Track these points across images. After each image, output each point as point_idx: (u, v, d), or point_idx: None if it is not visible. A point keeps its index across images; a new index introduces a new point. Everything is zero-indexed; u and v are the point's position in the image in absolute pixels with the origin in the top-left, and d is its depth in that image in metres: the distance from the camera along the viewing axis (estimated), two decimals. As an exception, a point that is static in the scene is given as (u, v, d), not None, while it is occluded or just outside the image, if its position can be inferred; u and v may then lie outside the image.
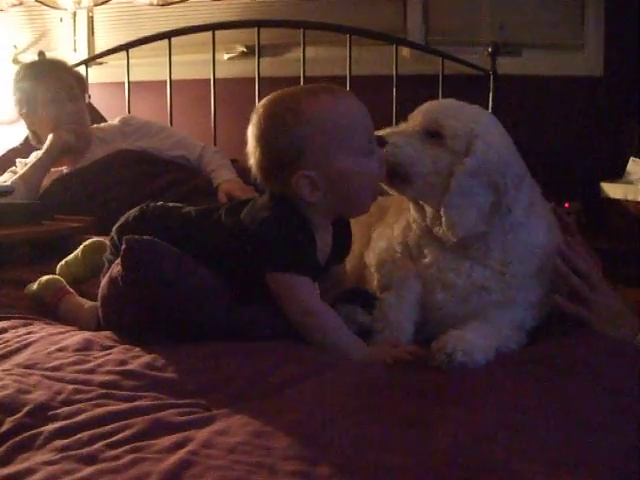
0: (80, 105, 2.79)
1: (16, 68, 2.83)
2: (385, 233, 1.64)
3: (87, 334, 1.42)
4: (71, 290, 1.72)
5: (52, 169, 2.70)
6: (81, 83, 2.87)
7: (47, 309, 1.71)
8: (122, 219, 1.60)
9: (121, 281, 1.38)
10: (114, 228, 1.59)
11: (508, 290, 1.45)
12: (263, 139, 1.41)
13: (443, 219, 1.42)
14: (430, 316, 1.49)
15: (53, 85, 2.71)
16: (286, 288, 1.39)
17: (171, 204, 1.61)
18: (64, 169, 2.72)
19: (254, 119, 1.43)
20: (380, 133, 1.46)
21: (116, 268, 1.40)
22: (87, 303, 1.65)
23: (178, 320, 1.36)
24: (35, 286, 1.76)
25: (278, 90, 1.46)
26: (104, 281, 1.47)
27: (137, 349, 1.32)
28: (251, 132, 1.43)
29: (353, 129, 1.39)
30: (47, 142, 2.66)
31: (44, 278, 1.76)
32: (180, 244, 1.43)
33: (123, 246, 1.36)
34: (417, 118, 1.50)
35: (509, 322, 1.42)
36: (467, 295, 1.46)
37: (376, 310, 1.49)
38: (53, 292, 1.72)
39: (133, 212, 1.59)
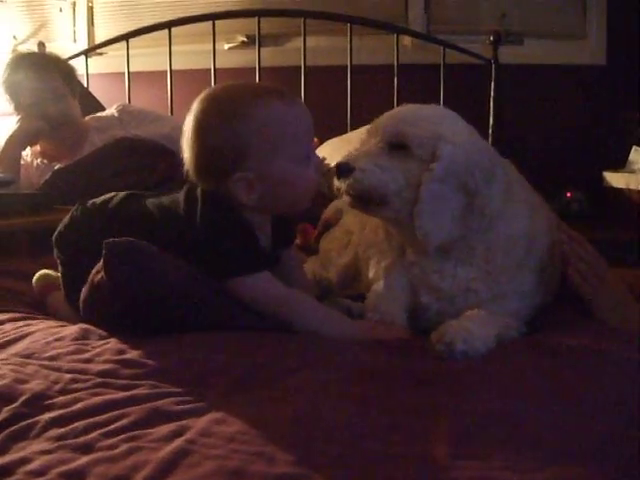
0: (67, 103, 2.76)
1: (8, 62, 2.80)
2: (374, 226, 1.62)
3: (85, 325, 1.41)
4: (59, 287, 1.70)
5: (52, 162, 2.70)
6: (70, 77, 2.83)
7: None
8: (56, 233, 1.60)
9: (106, 285, 1.34)
10: (54, 238, 1.59)
11: (496, 286, 1.43)
12: (205, 135, 1.39)
13: (417, 229, 1.37)
14: (418, 315, 1.47)
15: (36, 87, 2.69)
16: (249, 290, 1.38)
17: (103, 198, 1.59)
18: (57, 165, 2.71)
19: (197, 110, 1.40)
20: (344, 160, 1.41)
21: (97, 276, 1.36)
22: None
23: (167, 316, 1.34)
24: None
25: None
26: (84, 291, 1.43)
27: (135, 339, 1.30)
28: (192, 124, 1.40)
29: (296, 137, 1.39)
30: (14, 128, 2.67)
31: (37, 273, 1.76)
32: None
33: (104, 251, 1.32)
34: (378, 132, 1.43)
35: (502, 312, 1.41)
36: (453, 297, 1.43)
37: (366, 301, 1.48)
38: (40, 288, 1.72)
39: (64, 222, 1.60)
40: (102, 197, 1.60)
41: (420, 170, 1.37)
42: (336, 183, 1.42)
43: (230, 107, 1.38)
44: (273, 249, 1.49)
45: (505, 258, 1.43)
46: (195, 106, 1.41)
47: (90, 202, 1.60)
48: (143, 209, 1.50)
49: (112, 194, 1.60)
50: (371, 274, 1.52)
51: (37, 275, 1.75)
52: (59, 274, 1.67)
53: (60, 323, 1.48)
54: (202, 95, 1.43)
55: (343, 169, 1.39)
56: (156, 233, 1.42)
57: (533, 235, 1.45)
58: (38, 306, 1.69)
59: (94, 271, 1.38)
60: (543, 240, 1.47)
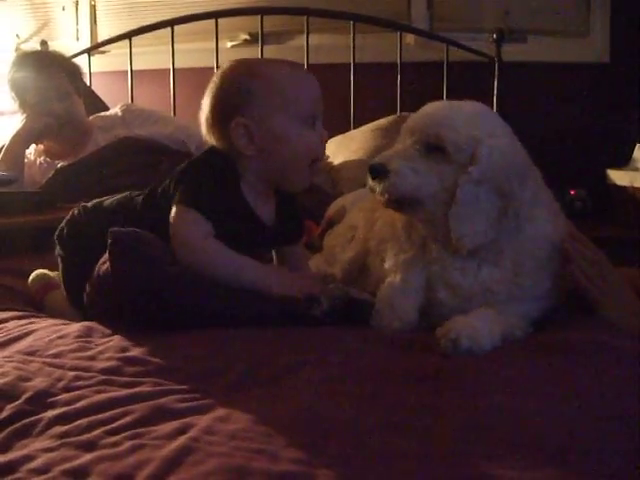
0: (72, 101, 2.76)
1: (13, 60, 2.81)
2: (390, 220, 1.61)
3: (88, 322, 1.41)
4: (58, 285, 1.71)
5: (56, 161, 2.70)
6: (75, 76, 2.83)
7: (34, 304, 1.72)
8: (58, 230, 1.62)
9: (112, 274, 1.35)
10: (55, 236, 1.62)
11: (516, 289, 1.41)
12: (215, 90, 1.47)
13: (452, 232, 1.36)
14: (431, 311, 1.46)
15: (41, 86, 2.69)
16: (174, 219, 1.39)
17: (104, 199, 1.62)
18: (60, 163, 2.71)
19: (216, 75, 1.50)
20: (378, 160, 1.40)
21: (103, 266, 1.38)
22: None
23: (169, 306, 1.34)
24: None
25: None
26: (89, 283, 1.44)
27: (138, 336, 1.30)
28: (211, 86, 1.49)
29: (300, 98, 1.44)
30: (20, 125, 2.68)
31: (34, 273, 1.76)
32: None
33: (109, 240, 1.34)
34: (414, 132, 1.42)
35: (513, 312, 1.40)
36: (472, 296, 1.42)
37: (380, 292, 1.47)
38: (38, 287, 1.73)
39: (66, 219, 1.62)
40: (104, 197, 1.63)
41: (456, 173, 1.36)
42: (370, 183, 1.40)
43: (243, 69, 1.48)
44: (278, 231, 1.52)
45: (531, 262, 1.41)
46: (215, 75, 1.50)
47: (91, 202, 1.62)
48: (142, 205, 1.52)
49: (113, 195, 1.61)
50: (387, 265, 1.50)
51: (33, 275, 1.76)
52: (56, 273, 1.67)
53: (62, 321, 1.49)
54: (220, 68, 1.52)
55: (378, 170, 1.38)
56: (155, 225, 1.44)
57: (555, 240, 1.45)
58: (38, 305, 1.69)
59: (100, 262, 1.39)
60: (562, 245, 1.46)
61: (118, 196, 1.60)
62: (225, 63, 1.53)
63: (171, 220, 1.39)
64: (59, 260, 1.62)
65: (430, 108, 1.46)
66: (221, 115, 1.45)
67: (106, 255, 1.36)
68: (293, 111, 1.43)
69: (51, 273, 1.75)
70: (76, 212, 1.62)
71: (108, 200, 1.61)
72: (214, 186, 1.41)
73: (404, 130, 1.45)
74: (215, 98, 1.47)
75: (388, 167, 1.37)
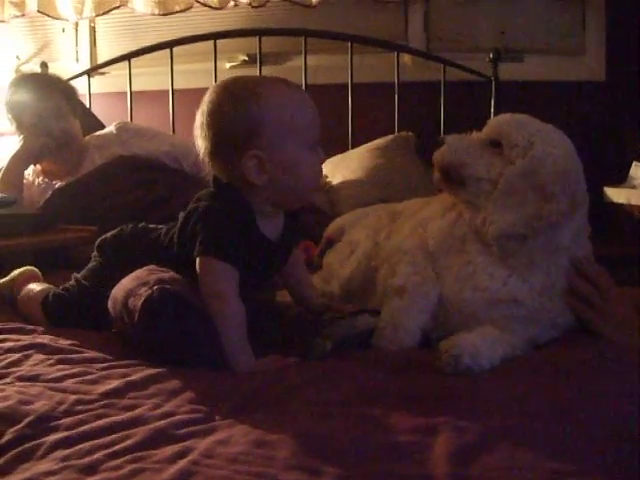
0: (69, 122, 2.77)
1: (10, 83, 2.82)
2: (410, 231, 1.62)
3: (89, 351, 1.41)
4: (40, 278, 1.83)
5: (54, 181, 2.71)
6: (71, 97, 2.84)
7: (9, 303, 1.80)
8: (102, 237, 1.66)
9: (138, 327, 1.35)
10: (96, 244, 1.66)
11: (541, 310, 1.43)
12: (218, 115, 1.41)
13: (486, 215, 1.43)
14: (451, 314, 1.47)
15: (39, 107, 2.70)
16: (203, 271, 1.38)
17: (151, 226, 1.63)
18: (58, 184, 2.72)
19: (209, 99, 1.43)
20: (442, 135, 1.55)
21: (137, 300, 1.35)
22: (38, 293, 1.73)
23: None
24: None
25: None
26: (114, 302, 1.44)
27: (140, 362, 1.31)
28: (205, 108, 1.43)
29: (306, 123, 1.42)
30: (18, 146, 2.69)
31: (19, 270, 1.85)
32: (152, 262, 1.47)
33: (149, 295, 1.33)
34: (486, 129, 1.53)
35: (522, 334, 1.41)
36: (497, 302, 1.43)
37: (384, 310, 1.47)
38: (22, 280, 1.82)
39: (114, 231, 1.65)
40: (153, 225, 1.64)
41: (505, 167, 1.44)
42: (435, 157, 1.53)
43: (243, 91, 1.41)
44: (283, 245, 1.50)
45: (559, 289, 1.45)
46: (206, 97, 1.44)
47: (141, 225, 1.64)
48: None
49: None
50: (396, 282, 1.50)
51: (22, 269, 1.85)
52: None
53: (62, 344, 1.48)
54: (212, 88, 1.45)
55: (436, 140, 1.53)
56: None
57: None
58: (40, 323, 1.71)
59: (128, 289, 1.39)
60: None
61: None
62: (221, 82, 1.47)
63: (199, 272, 1.38)
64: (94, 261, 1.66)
65: (508, 114, 1.55)
66: (230, 147, 1.40)
67: (138, 286, 1.37)
68: (302, 138, 1.41)
69: (34, 269, 1.86)
70: (125, 228, 1.65)
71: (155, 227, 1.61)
72: (235, 231, 1.39)
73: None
74: (221, 131, 1.41)
75: (445, 140, 1.52)
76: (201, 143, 1.44)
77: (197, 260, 1.38)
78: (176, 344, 1.33)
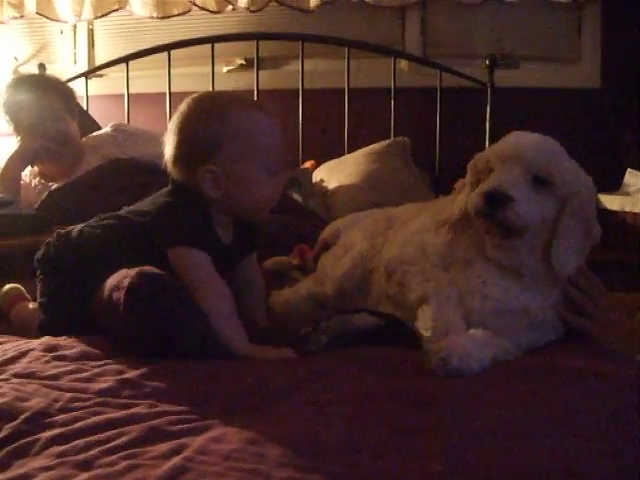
0: (66, 124, 2.78)
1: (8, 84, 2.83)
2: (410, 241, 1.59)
3: (85, 346, 1.42)
4: (27, 297, 1.82)
5: (50, 182, 2.72)
6: (70, 99, 2.84)
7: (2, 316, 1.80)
8: (42, 249, 1.63)
9: (122, 310, 1.35)
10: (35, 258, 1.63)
11: (550, 321, 1.44)
12: (185, 128, 1.49)
13: (553, 263, 1.40)
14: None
15: (36, 108, 2.71)
16: (181, 260, 1.43)
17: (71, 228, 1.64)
18: (54, 185, 2.72)
19: (182, 109, 1.51)
20: (494, 187, 1.36)
21: (121, 292, 1.36)
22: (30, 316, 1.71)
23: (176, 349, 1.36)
24: None
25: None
26: (97, 299, 1.45)
27: (135, 360, 1.32)
28: (175, 120, 1.51)
29: (269, 148, 1.49)
30: (17, 146, 2.70)
31: (6, 287, 1.85)
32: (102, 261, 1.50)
33: (133, 280, 1.34)
34: (520, 162, 1.40)
35: (520, 339, 1.41)
36: (507, 311, 1.42)
37: (422, 315, 1.43)
38: (10, 300, 1.81)
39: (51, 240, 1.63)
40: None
41: (556, 206, 1.41)
42: (483, 208, 1.38)
43: (211, 107, 1.49)
44: (235, 249, 1.56)
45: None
46: (180, 106, 1.52)
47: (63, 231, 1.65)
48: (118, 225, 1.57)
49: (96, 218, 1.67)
50: (416, 294, 1.47)
51: (6, 288, 1.85)
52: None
53: (59, 342, 1.49)
54: (187, 98, 1.53)
55: (499, 198, 1.36)
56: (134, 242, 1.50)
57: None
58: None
59: (112, 285, 1.39)
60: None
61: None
62: (194, 97, 1.52)
63: (175, 262, 1.44)
64: (41, 282, 1.62)
65: (534, 140, 1.46)
66: (190, 158, 1.48)
67: (119, 279, 1.38)
68: (260, 160, 1.47)
69: (20, 287, 1.85)
70: (52, 240, 1.62)
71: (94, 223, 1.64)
72: (197, 224, 1.47)
73: (506, 158, 1.42)
74: (184, 140, 1.49)
75: (511, 195, 1.36)
76: (167, 148, 1.52)
77: (169, 253, 1.43)
78: (161, 325, 1.33)
